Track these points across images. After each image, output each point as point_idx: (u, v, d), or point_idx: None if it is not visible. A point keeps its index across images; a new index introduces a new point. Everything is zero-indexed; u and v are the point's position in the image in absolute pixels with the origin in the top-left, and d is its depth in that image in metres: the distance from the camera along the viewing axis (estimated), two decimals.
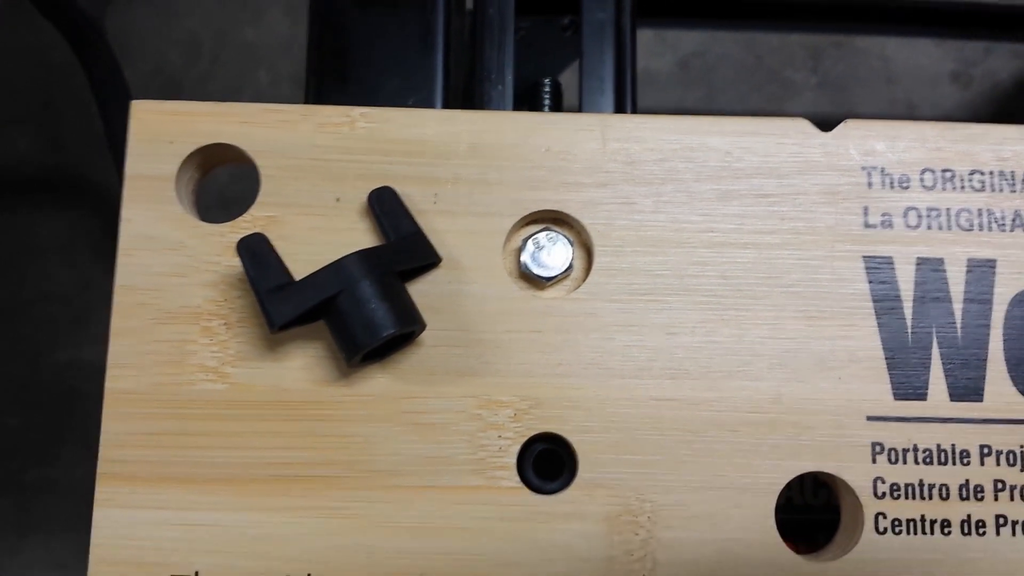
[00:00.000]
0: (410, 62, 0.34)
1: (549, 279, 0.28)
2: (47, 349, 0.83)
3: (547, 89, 0.36)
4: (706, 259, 0.28)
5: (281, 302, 0.26)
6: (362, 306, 0.25)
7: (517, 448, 0.27)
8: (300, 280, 0.26)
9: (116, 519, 0.26)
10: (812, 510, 0.31)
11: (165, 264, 0.27)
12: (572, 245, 0.28)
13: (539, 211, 0.28)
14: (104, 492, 0.26)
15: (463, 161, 0.28)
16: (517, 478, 0.27)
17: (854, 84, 0.93)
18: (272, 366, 0.27)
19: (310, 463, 0.26)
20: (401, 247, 0.27)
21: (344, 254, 0.26)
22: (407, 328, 0.26)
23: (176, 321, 0.27)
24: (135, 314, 0.27)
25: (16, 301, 0.84)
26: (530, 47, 0.41)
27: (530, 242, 0.28)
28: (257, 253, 0.26)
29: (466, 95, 0.36)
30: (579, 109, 0.35)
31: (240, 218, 0.28)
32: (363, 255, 0.26)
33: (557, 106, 0.38)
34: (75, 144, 0.87)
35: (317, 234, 0.28)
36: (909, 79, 0.92)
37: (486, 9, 0.34)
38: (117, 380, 0.27)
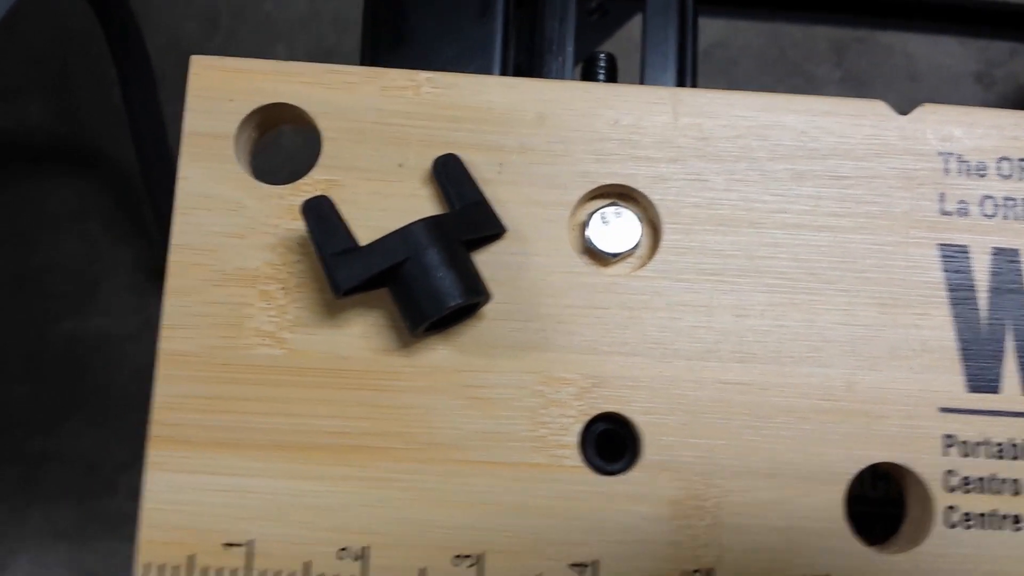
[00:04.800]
0: (468, 30, 0.33)
1: (615, 255, 0.27)
2: (55, 319, 0.82)
3: (602, 64, 0.35)
4: (778, 240, 0.27)
5: (347, 266, 0.25)
6: (429, 274, 0.25)
7: (580, 427, 0.26)
8: (366, 245, 0.25)
9: (168, 483, 0.25)
10: (870, 502, 0.30)
11: (222, 224, 0.27)
12: (640, 221, 0.27)
13: (606, 185, 0.27)
14: (156, 456, 0.25)
15: (530, 131, 0.27)
16: (579, 457, 0.26)
17: (877, 80, 0.92)
18: (331, 333, 0.26)
19: (368, 433, 0.26)
20: (466, 216, 0.26)
21: (406, 221, 0.25)
22: (474, 299, 0.25)
23: (233, 283, 0.26)
24: (190, 274, 0.26)
25: (25, 270, 0.83)
26: None
27: (596, 216, 0.27)
28: (322, 216, 0.25)
29: (521, 69, 0.35)
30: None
31: (301, 180, 0.27)
32: (431, 222, 0.25)
33: (611, 81, 0.37)
34: (89, 114, 0.86)
35: (378, 199, 0.27)
36: (932, 77, 0.91)
37: None
38: (171, 341, 0.26)
